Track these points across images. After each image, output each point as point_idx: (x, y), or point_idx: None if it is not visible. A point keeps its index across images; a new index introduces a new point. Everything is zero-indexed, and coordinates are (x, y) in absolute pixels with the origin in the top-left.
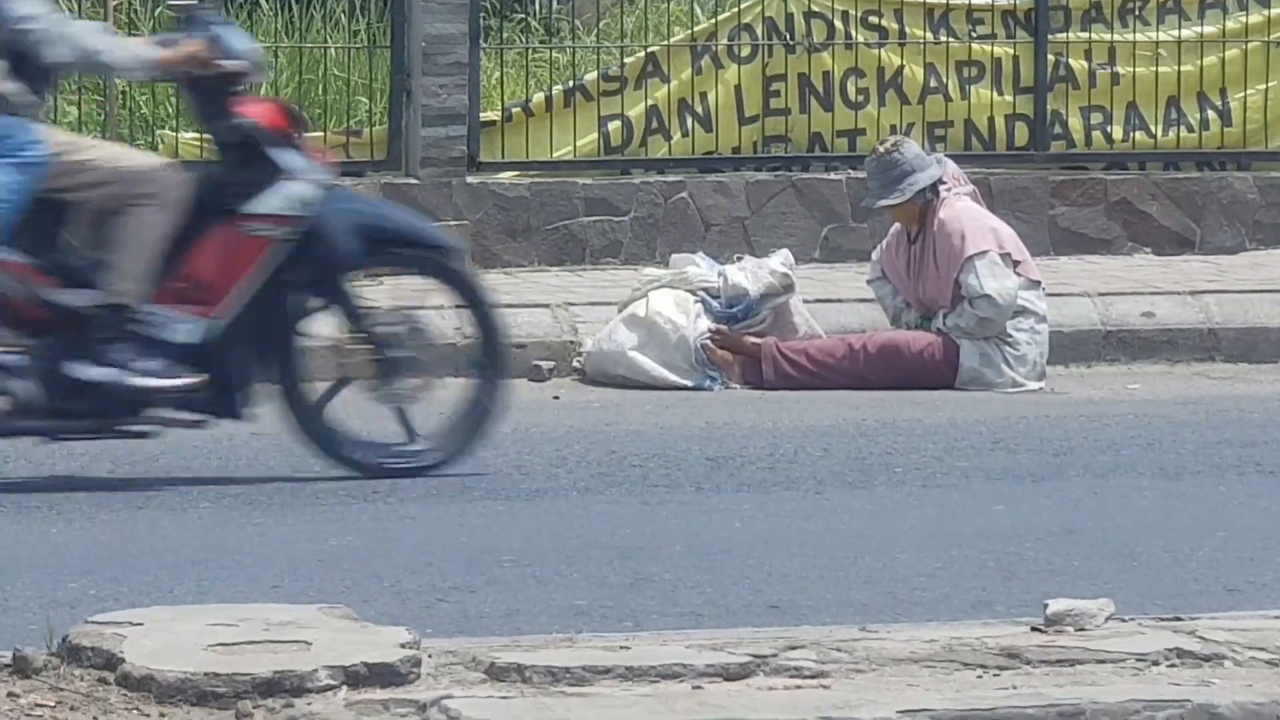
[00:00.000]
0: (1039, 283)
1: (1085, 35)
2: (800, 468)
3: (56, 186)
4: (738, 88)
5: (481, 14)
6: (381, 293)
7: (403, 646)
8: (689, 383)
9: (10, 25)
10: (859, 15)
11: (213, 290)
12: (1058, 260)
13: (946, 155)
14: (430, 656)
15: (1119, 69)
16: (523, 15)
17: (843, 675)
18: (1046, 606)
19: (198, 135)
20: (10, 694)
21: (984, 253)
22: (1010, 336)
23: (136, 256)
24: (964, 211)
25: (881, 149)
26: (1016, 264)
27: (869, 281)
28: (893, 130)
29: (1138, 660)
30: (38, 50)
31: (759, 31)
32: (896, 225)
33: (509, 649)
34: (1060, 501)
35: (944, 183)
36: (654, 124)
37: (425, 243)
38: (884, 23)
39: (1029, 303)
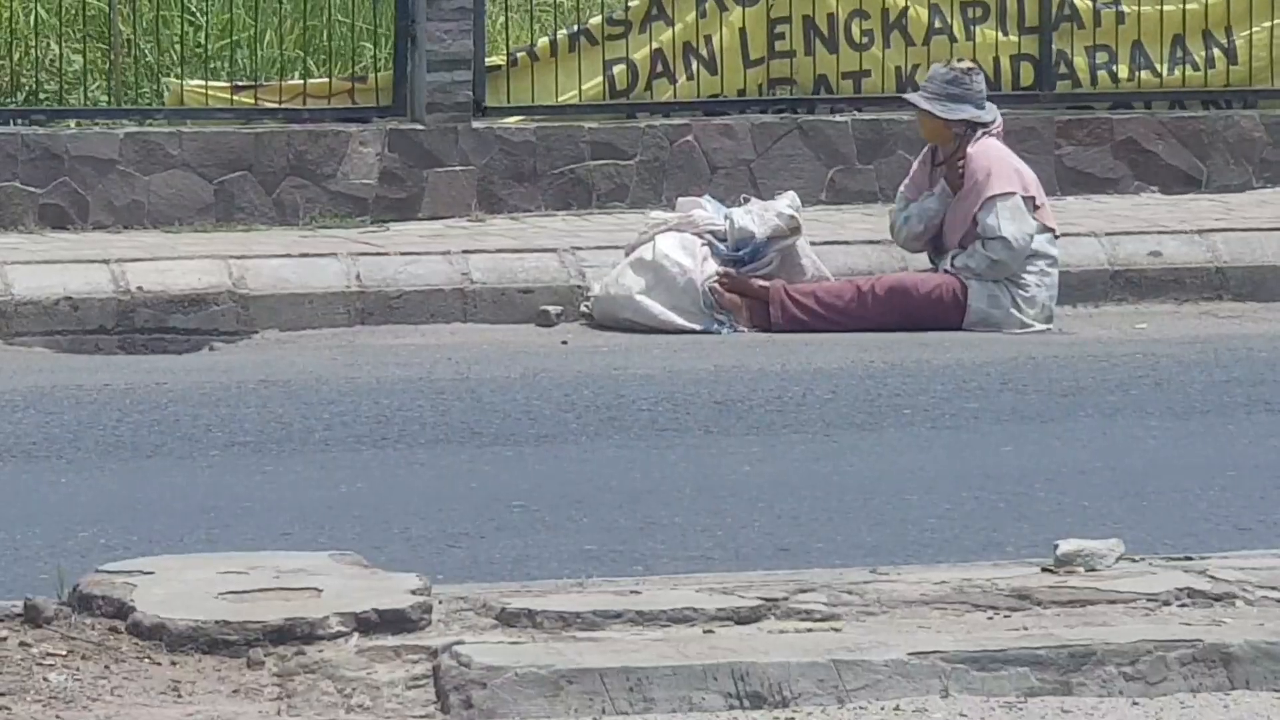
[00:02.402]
0: (1053, 229)
1: None
2: (809, 410)
3: None
4: (742, 30)
5: None
6: None
7: (413, 593)
8: (697, 326)
9: None
10: None
11: None
12: (1064, 200)
13: None
14: (441, 603)
15: (1124, 7)
16: None
17: (854, 618)
18: (1057, 547)
19: (204, 83)
20: (22, 643)
21: (1009, 194)
22: (1020, 279)
23: None
24: (992, 150)
25: (958, 65)
26: (1036, 208)
27: (894, 224)
28: (898, 72)
29: (1149, 600)
30: None
31: None
32: (924, 151)
33: (520, 594)
34: (1069, 442)
35: (989, 130)
36: (659, 67)
37: None
38: None
39: (1041, 247)
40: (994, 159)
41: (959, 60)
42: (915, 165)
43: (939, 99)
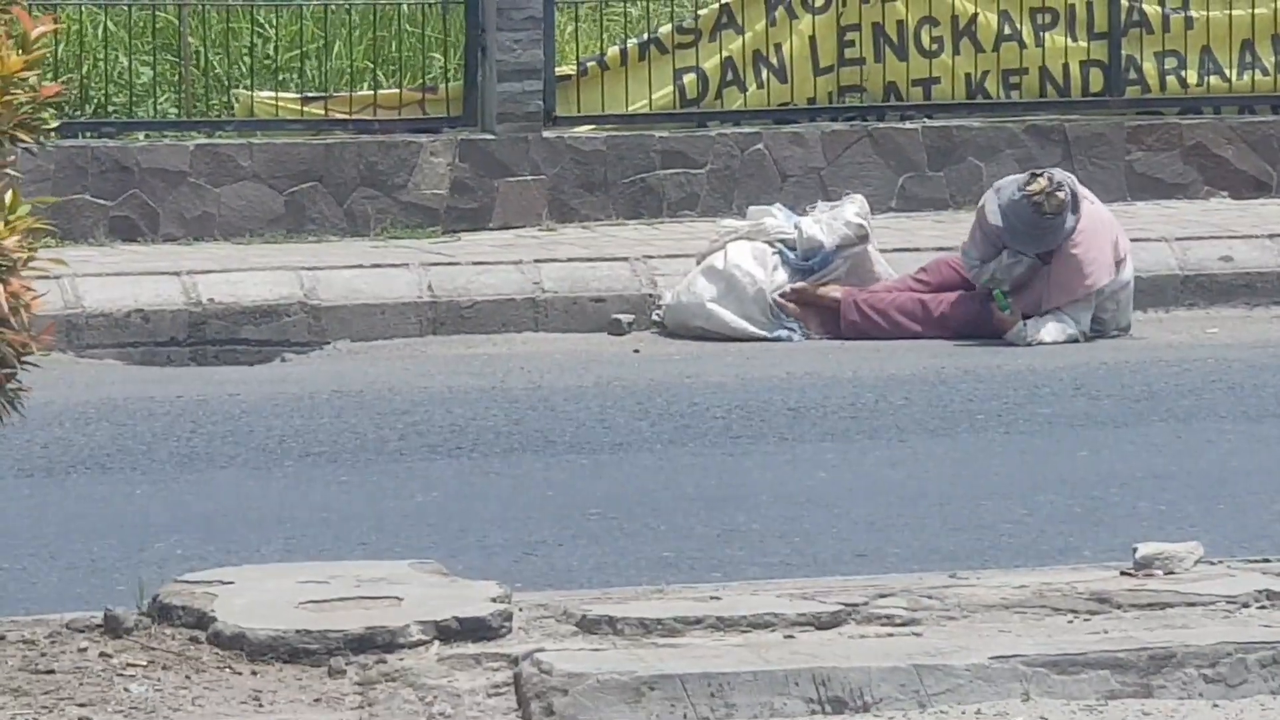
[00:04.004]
0: (1126, 256)
1: None
2: (882, 416)
3: None
4: (812, 38)
5: None
6: None
7: (493, 601)
8: (768, 334)
9: None
10: None
11: None
12: (1134, 206)
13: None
14: (521, 610)
15: (1192, 13)
16: None
17: (934, 622)
18: (1135, 550)
19: (273, 94)
20: (102, 654)
21: (1092, 293)
22: (1098, 319)
23: None
24: (1081, 240)
25: (1050, 206)
26: (1120, 263)
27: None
28: (968, 79)
29: (1228, 602)
30: None
31: None
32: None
33: (599, 601)
34: (1144, 446)
35: (1075, 217)
36: (729, 76)
37: None
38: None
39: (1115, 282)
40: (1083, 251)
41: (1046, 196)
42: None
43: (1028, 238)
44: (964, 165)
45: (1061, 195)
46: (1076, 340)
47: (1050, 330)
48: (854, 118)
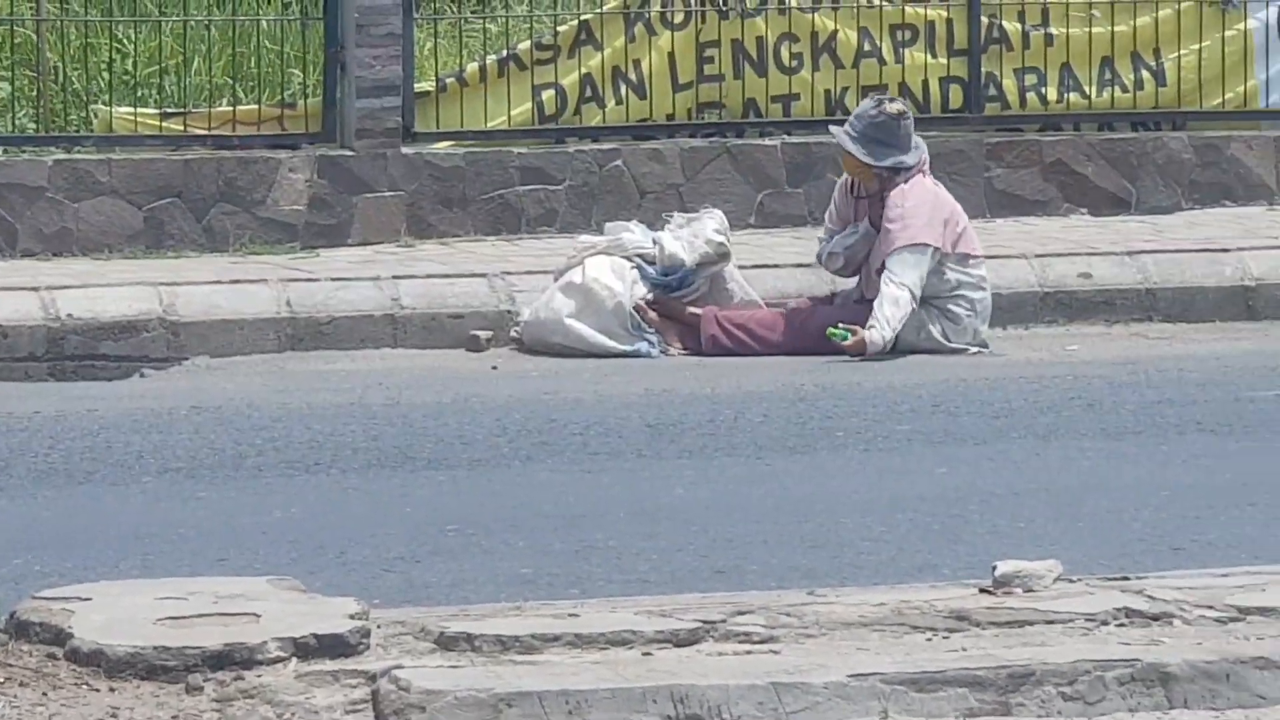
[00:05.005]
0: (979, 255)
1: None
2: (740, 433)
3: None
4: (671, 54)
5: None
6: None
7: (351, 617)
8: (626, 348)
9: None
10: None
11: None
12: (994, 222)
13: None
14: (379, 627)
15: (1052, 30)
16: None
17: (792, 640)
18: (995, 568)
19: (132, 109)
20: None
21: (919, 246)
22: (949, 310)
23: None
24: (913, 194)
25: (889, 107)
26: (970, 257)
27: (820, 253)
28: (827, 95)
29: (1087, 620)
30: None
31: None
32: (843, 178)
33: (458, 618)
34: (1003, 464)
35: (912, 172)
36: (588, 92)
37: None
38: None
39: (967, 275)
40: (912, 205)
41: (890, 101)
42: (836, 194)
43: (866, 141)
44: (823, 182)
45: (903, 105)
46: (911, 303)
47: (888, 315)
48: (713, 134)
